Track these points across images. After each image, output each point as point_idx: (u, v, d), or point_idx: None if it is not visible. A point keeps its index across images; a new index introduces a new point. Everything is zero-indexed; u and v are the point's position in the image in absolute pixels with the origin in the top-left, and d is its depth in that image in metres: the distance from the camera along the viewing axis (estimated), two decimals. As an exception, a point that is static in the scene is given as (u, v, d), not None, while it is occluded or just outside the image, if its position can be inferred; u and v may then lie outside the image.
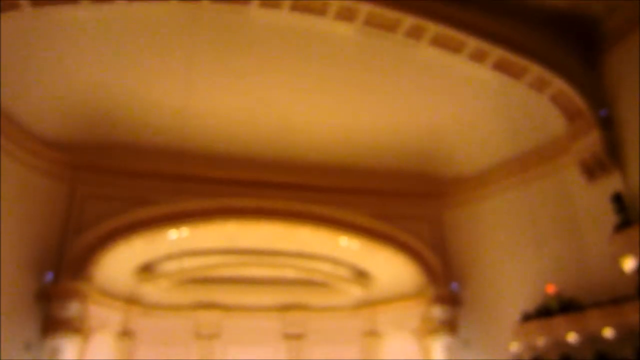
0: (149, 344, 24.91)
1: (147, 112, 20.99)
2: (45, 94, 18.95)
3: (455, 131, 23.32)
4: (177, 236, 21.44)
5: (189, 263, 24.70)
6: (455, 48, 18.56)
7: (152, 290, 24.76)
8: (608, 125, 17.73)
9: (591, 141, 17.97)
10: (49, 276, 18.68)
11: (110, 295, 21.97)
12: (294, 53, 20.20)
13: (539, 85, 18.89)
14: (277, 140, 22.85)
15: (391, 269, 25.26)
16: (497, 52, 18.21)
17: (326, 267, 26.67)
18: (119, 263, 22.12)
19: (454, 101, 22.12)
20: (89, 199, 20.40)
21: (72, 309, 18.66)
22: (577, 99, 18.13)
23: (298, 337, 28.00)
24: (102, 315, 21.41)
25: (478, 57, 18.73)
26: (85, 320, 19.15)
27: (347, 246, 24.53)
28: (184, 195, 20.99)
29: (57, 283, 18.75)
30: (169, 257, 23.03)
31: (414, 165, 24.42)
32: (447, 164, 24.49)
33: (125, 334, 23.55)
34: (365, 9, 17.11)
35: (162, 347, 25.49)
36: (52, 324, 18.23)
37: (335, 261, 26.93)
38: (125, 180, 21.01)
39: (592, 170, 18.22)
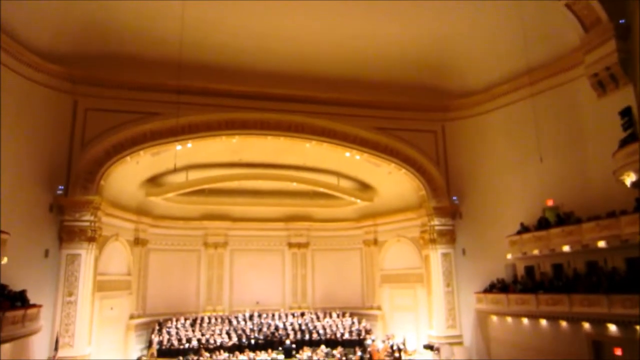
0: (160, 252, 26.24)
1: (144, 22, 20.13)
2: (40, 7, 18.03)
3: (464, 42, 22.36)
4: (181, 148, 21.56)
5: (195, 176, 25.13)
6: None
7: (161, 202, 25.50)
8: (625, 36, 16.94)
9: (606, 52, 17.27)
10: (60, 189, 19.21)
11: (121, 207, 22.70)
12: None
13: (557, -9, 17.79)
14: (281, 52, 22.08)
15: (393, 181, 25.69)
16: (515, -46, 16.95)
17: (330, 179, 27.13)
18: (127, 176, 22.58)
19: (465, 10, 20.94)
20: (91, 112, 20.33)
21: (85, 219, 19.43)
22: (596, 6, 17.12)
23: (302, 245, 29.32)
24: (115, 226, 22.31)
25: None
26: (98, 230, 19.98)
27: (351, 159, 24.74)
28: (187, 109, 20.81)
29: (68, 195, 19.34)
30: (176, 170, 23.29)
31: (420, 78, 23.81)
32: (453, 76, 23.85)
33: (137, 242, 24.67)
34: None
35: (173, 255, 26.87)
36: (67, 233, 19.16)
37: (338, 174, 27.35)
38: (127, 93, 20.77)
39: (604, 84, 17.72)
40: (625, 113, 16.10)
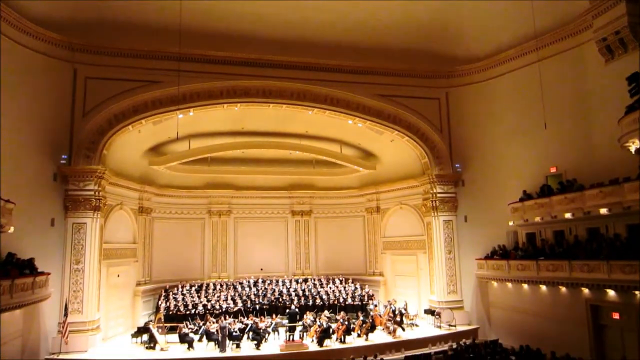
0: (164, 221, 26.50)
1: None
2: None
3: (469, 6, 21.76)
4: (183, 117, 21.42)
5: (197, 144, 25.08)
6: None
7: (164, 171, 25.55)
8: (636, -1, 16.52)
9: (616, 15, 16.85)
10: (63, 158, 19.26)
11: (125, 176, 22.75)
12: None
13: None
14: (283, 19, 21.57)
15: (396, 149, 25.61)
16: None
17: (332, 147, 27.04)
18: (130, 145, 22.56)
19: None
20: (91, 81, 20.10)
21: (89, 188, 19.55)
22: (607, -33, 16.64)
23: (305, 213, 29.56)
24: (119, 195, 22.45)
25: None
26: (102, 199, 20.13)
27: (353, 127, 24.60)
28: (188, 77, 20.55)
29: (72, 165, 19.40)
30: (178, 139, 23.20)
31: (424, 44, 23.35)
32: (458, 42, 23.39)
33: (142, 211, 24.87)
34: None
35: (177, 223, 27.15)
36: (72, 202, 19.32)
37: (341, 142, 27.25)
38: (126, 61, 20.51)
39: (612, 49, 17.37)
40: (633, 79, 15.79)
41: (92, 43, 19.94)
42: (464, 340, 18.68)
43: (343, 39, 22.61)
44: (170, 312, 22.00)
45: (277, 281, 26.38)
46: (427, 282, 24.27)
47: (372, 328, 20.31)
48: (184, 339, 18.92)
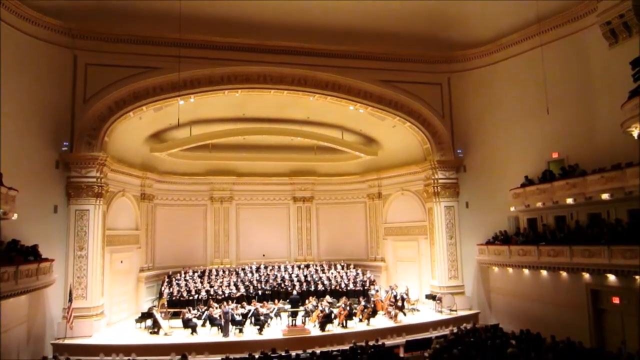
0: (166, 207, 26.60)
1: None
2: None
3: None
4: (184, 103, 21.33)
5: (198, 131, 25.02)
6: None
7: (165, 158, 25.55)
8: (641, -18, 16.27)
9: (620, -1, 16.73)
10: (64, 145, 19.27)
11: (126, 162, 22.80)
12: None
13: None
14: (284, 3, 21.26)
15: (398, 135, 25.53)
16: None
17: (334, 133, 26.98)
18: (131, 132, 22.54)
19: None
20: (91, 67, 19.98)
21: (91, 175, 19.60)
22: (612, -50, 16.38)
23: (307, 199, 29.63)
24: (121, 181, 22.51)
25: None
26: (105, 186, 20.19)
27: (355, 113, 24.51)
28: (188, 63, 20.43)
29: (73, 152, 19.41)
30: (179, 125, 23.15)
31: (426, 28, 23.09)
32: (460, 26, 23.12)
33: (144, 198, 24.95)
34: None
35: (180, 210, 27.25)
36: (74, 189, 19.39)
37: (342, 128, 27.17)
38: (126, 47, 20.37)
39: (617, 33, 17.18)
40: (637, 63, 15.65)
41: (92, 29, 19.81)
42: (464, 324, 18.86)
43: (344, 25, 22.37)
44: (174, 298, 22.20)
45: (279, 267, 26.54)
46: (428, 267, 24.39)
47: (374, 313, 20.49)
48: (187, 324, 19.12)
